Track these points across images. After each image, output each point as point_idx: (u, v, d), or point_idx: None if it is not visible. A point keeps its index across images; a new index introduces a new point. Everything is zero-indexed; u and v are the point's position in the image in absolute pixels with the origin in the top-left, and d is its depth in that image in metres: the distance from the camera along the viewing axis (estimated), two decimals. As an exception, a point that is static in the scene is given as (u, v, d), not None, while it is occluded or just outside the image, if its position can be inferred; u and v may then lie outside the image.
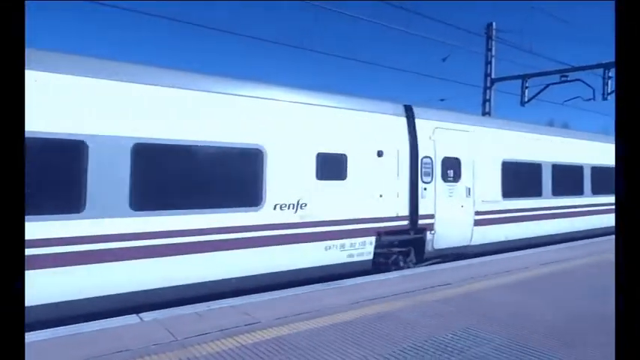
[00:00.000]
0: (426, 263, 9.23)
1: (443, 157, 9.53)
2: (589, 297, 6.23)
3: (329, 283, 7.03)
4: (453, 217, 9.60)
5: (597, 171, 14.12)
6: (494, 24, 19.09)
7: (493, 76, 19.24)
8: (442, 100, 20.34)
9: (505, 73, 19.40)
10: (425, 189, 9.13)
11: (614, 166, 11.07)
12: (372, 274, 7.72)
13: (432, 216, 9.23)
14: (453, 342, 4.50)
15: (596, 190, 14.02)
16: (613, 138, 15.00)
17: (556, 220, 12.38)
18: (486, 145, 10.60)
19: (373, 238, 8.33)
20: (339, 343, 4.43)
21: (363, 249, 8.18)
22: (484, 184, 10.34)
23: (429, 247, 9.23)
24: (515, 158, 11.28)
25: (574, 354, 4.21)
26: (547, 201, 12.13)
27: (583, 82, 17.63)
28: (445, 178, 9.54)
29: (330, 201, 7.72)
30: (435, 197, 9.29)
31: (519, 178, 11.34)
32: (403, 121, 9.04)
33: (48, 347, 4.23)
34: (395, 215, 8.65)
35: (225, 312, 5.41)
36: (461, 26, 23.35)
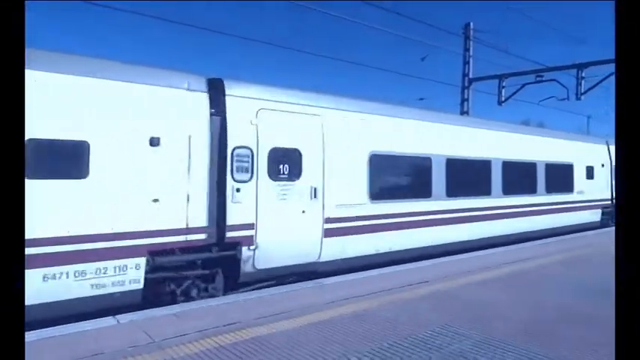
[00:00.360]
0: (248, 288, 7.04)
1: (271, 147, 7.29)
2: (561, 293, 6.37)
3: (307, 282, 7.03)
4: (287, 226, 7.41)
5: (512, 168, 12.02)
6: (471, 24, 19.35)
7: (471, 76, 19.51)
8: (421, 99, 20.56)
9: (483, 73, 19.71)
10: (238, 190, 6.91)
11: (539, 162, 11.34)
12: (152, 306, 5.75)
13: (250, 226, 6.99)
14: (432, 339, 4.54)
15: (514, 190, 12.11)
16: (560, 133, 12.89)
17: (454, 225, 10.39)
18: (346, 134, 8.42)
19: (142, 260, 6.02)
20: (318, 342, 4.42)
21: (123, 276, 5.86)
22: (340, 183, 8.22)
23: (247, 268, 7.02)
24: (390, 151, 9.21)
25: (546, 346, 4.30)
26: (441, 203, 10.12)
27: (558, 82, 18.03)
28: (275, 175, 7.34)
29: (53, 209, 5.38)
30: (257, 201, 7.08)
31: (398, 176, 9.62)
32: (202, 98, 6.67)
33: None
34: (183, 227, 6.38)
35: (203, 313, 5.35)
36: (439, 26, 23.61)
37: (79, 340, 4.40)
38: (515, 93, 19.09)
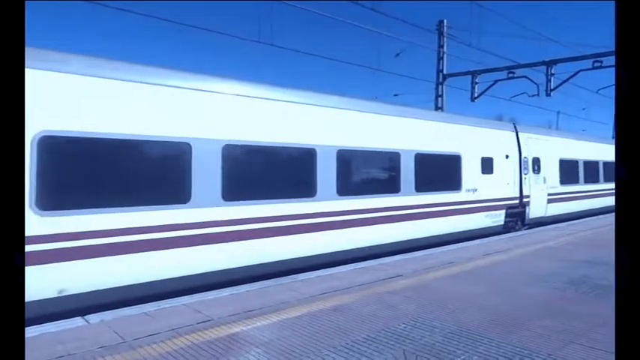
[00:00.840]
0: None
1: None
2: (529, 284, 6.52)
3: (282, 277, 7.00)
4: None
5: (356, 159, 9.03)
6: (445, 21, 19.57)
7: (445, 72, 19.74)
8: (396, 95, 20.68)
9: (456, 70, 19.96)
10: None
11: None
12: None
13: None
14: (406, 332, 4.58)
15: (359, 190, 9.04)
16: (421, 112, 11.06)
17: (227, 245, 7.09)
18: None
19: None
20: (293, 338, 4.40)
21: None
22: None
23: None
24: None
25: (516, 338, 4.38)
26: (203, 213, 6.81)
27: (528, 78, 18.42)
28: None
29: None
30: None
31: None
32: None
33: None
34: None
35: (176, 311, 5.26)
36: (414, 23, 23.79)
37: (43, 343, 4.27)
38: (487, 89, 19.42)
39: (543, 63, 17.95)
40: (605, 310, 5.21)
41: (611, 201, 19.39)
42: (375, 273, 7.19)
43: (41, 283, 5.41)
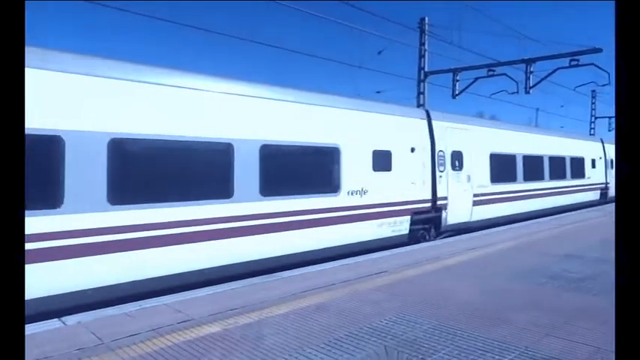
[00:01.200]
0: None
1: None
2: (509, 278, 6.63)
3: (265, 275, 6.97)
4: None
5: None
6: (426, 19, 19.70)
7: (426, 70, 19.88)
8: (378, 92, 20.76)
9: (438, 67, 20.13)
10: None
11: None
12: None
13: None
14: (388, 328, 4.60)
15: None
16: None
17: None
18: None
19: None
20: (275, 337, 4.39)
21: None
22: None
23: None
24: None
25: (497, 332, 4.45)
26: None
27: (508, 76, 18.66)
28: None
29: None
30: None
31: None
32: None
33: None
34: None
35: (157, 311, 5.20)
36: (396, 20, 23.88)
37: (21, 344, 4.17)
38: (468, 86, 19.63)
39: (522, 61, 18.20)
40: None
41: (567, 199, 18.14)
42: (361, 269, 7.21)
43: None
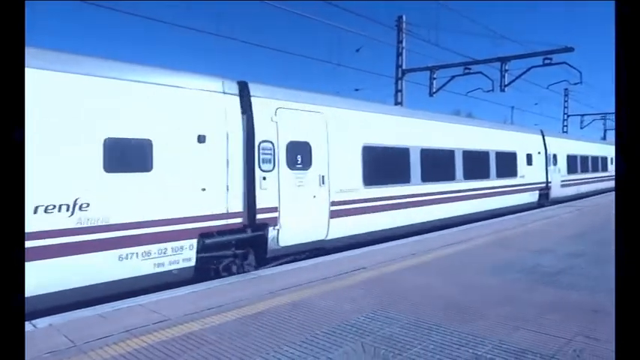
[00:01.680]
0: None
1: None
2: (483, 273, 6.74)
3: (242, 274, 6.92)
4: None
5: None
6: (404, 17, 19.84)
7: (404, 68, 20.04)
8: (357, 90, 20.82)
9: (415, 65, 20.30)
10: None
11: None
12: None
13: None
14: (365, 324, 4.63)
15: None
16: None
17: None
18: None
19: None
20: (251, 336, 4.36)
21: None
22: None
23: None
24: None
25: (471, 327, 4.52)
26: None
27: (483, 74, 18.97)
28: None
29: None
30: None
31: None
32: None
33: None
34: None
35: (132, 311, 5.11)
36: (374, 19, 23.95)
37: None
38: (445, 84, 19.86)
39: (498, 59, 18.51)
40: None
41: (490, 204, 14.95)
42: (339, 267, 7.22)
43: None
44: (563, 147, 21.69)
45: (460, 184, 13.55)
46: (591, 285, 5.95)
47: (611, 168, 27.57)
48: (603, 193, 24.89)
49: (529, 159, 17.58)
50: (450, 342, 4.14)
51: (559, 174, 20.76)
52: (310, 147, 8.90)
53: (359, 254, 8.36)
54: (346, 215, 9.55)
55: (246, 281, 6.44)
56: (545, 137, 19.30)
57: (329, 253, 8.69)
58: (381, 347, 4.05)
